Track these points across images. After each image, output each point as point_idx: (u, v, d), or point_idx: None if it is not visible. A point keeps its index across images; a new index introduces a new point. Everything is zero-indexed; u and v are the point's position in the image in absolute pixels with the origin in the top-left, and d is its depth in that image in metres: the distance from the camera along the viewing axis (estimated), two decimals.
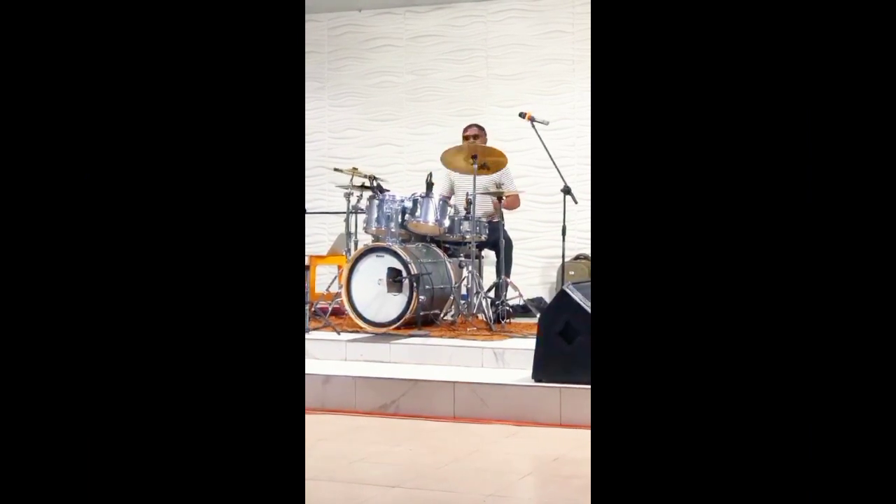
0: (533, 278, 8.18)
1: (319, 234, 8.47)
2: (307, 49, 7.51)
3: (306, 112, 7.29)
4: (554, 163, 6.50)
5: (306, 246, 6.76)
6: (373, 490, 3.33)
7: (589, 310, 4.52)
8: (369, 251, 5.98)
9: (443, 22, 8.77)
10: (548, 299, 7.26)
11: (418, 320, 5.83)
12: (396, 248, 5.88)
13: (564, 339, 4.58)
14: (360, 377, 4.90)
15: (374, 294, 5.90)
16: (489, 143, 7.02)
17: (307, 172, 8.11)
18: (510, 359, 5.18)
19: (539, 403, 4.49)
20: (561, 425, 4.37)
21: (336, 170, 6.74)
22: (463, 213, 6.31)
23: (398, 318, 5.81)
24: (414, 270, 5.77)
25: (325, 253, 7.53)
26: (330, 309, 6.33)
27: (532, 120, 6.54)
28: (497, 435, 4.26)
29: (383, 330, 5.83)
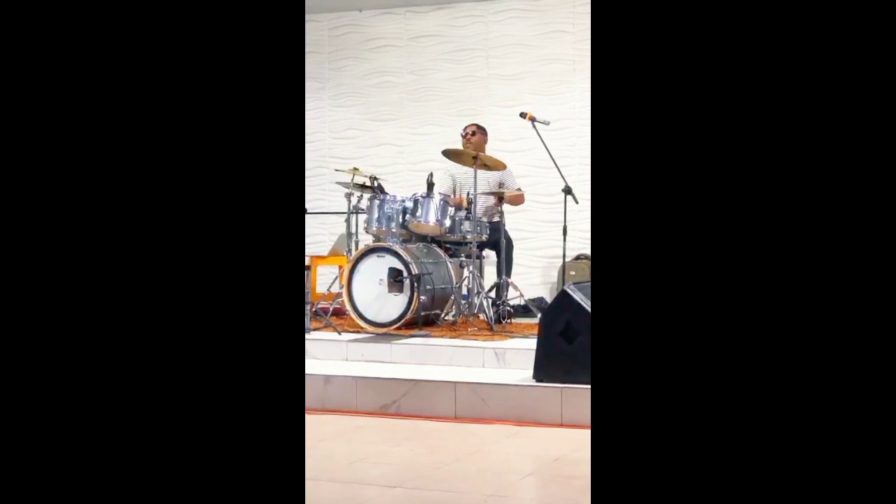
0: (534, 278, 8.18)
1: (320, 235, 8.47)
2: (308, 49, 7.51)
3: (307, 112, 7.29)
4: (555, 163, 6.50)
5: (307, 246, 6.76)
6: (373, 490, 3.33)
7: (590, 310, 4.52)
8: (370, 251, 5.98)
9: (443, 22, 8.77)
10: (549, 299, 7.26)
11: (419, 320, 5.83)
12: (397, 248, 5.88)
13: (565, 340, 4.58)
14: (360, 377, 4.90)
15: (374, 294, 5.90)
16: (489, 144, 7.02)
17: (308, 173, 8.12)
18: (511, 359, 5.18)
19: (540, 403, 4.49)
20: (562, 425, 4.37)
21: (338, 178, 6.74)
22: (464, 212, 6.31)
23: (399, 319, 5.81)
24: (415, 270, 5.77)
25: (325, 253, 7.54)
26: (331, 309, 6.33)
27: (533, 120, 6.54)
28: (498, 435, 4.26)
29: (384, 330, 5.83)
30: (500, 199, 6.64)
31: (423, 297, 5.79)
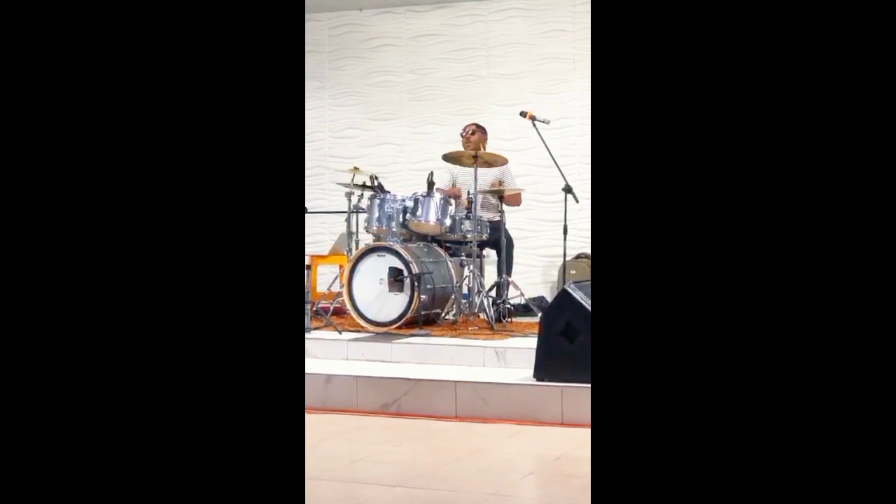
0: (534, 277, 8.18)
1: (321, 234, 8.47)
2: (308, 48, 7.52)
3: (307, 111, 7.29)
4: (555, 162, 6.50)
5: (308, 245, 6.77)
6: (374, 489, 3.33)
7: (590, 309, 4.52)
8: (370, 251, 5.98)
9: (443, 21, 8.76)
10: (549, 298, 7.26)
11: (420, 320, 5.83)
12: (398, 247, 5.88)
13: (566, 339, 4.58)
14: (361, 377, 4.90)
15: (375, 293, 5.90)
16: (489, 143, 7.02)
17: (308, 172, 8.12)
18: (512, 358, 5.18)
19: (541, 403, 4.49)
20: (562, 424, 4.37)
21: (338, 178, 6.74)
22: (464, 211, 6.31)
23: (399, 318, 5.81)
24: (415, 270, 5.77)
25: (326, 252, 7.54)
26: (331, 308, 6.33)
27: (533, 119, 6.54)
28: (499, 434, 4.26)
29: (385, 329, 5.83)
30: (501, 197, 6.64)
31: (423, 297, 5.79)
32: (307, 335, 5.72)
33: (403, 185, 7.52)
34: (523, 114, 6.65)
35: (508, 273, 6.61)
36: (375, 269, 5.91)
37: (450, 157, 6.39)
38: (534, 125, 6.53)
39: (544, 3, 8.42)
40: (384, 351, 5.52)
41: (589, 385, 3.85)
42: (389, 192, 6.37)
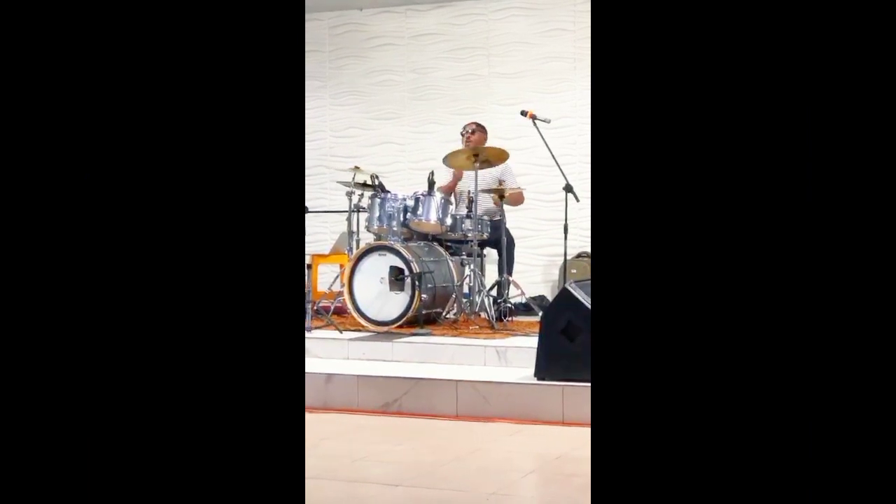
0: (535, 276, 8.18)
1: (321, 233, 8.47)
2: (308, 48, 7.51)
3: (308, 111, 7.29)
4: (556, 161, 6.50)
5: (309, 245, 6.77)
6: (375, 489, 3.33)
7: (591, 308, 4.52)
8: (371, 250, 5.98)
9: (444, 20, 8.76)
10: (550, 297, 7.26)
11: (420, 319, 5.83)
12: (398, 246, 5.88)
13: (567, 338, 4.58)
14: (362, 376, 4.91)
15: (376, 293, 5.90)
16: (490, 142, 7.01)
17: (309, 171, 8.12)
18: (512, 357, 5.18)
19: (541, 402, 4.49)
20: (563, 423, 4.37)
21: (339, 177, 6.74)
22: (465, 211, 6.31)
23: (400, 317, 5.81)
24: (416, 269, 5.77)
25: (327, 252, 7.54)
26: (332, 308, 6.34)
27: (534, 118, 6.54)
28: (499, 433, 4.26)
29: (385, 328, 5.83)
30: (501, 196, 6.63)
31: (424, 296, 5.79)
32: (308, 334, 5.72)
33: (404, 185, 7.51)
34: (524, 113, 6.65)
35: (509, 272, 6.61)
36: (376, 269, 5.91)
37: (450, 159, 6.38)
38: (534, 124, 6.52)
39: (545, 2, 8.41)
40: (385, 350, 5.52)
41: (590, 384, 3.85)
42: (390, 192, 6.37)
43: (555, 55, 8.37)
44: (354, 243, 6.64)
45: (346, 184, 6.65)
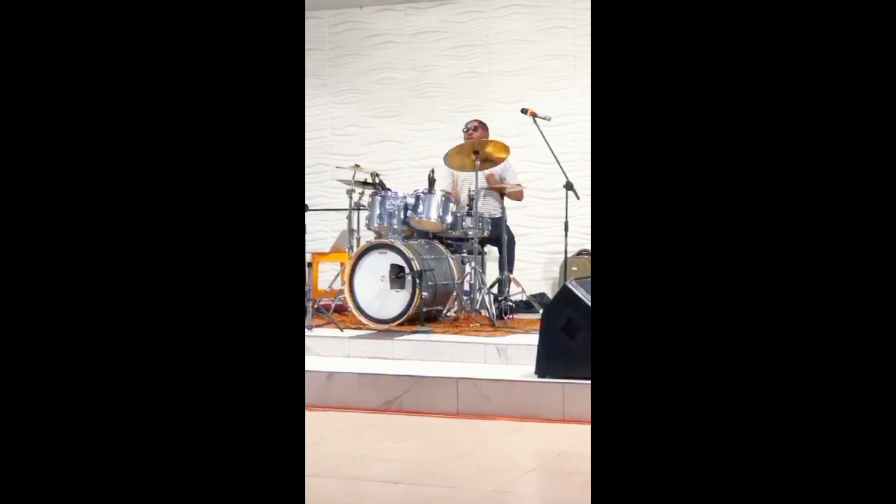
0: (535, 274, 8.18)
1: (322, 231, 8.48)
2: (308, 46, 7.51)
3: (308, 109, 7.29)
4: (556, 158, 6.50)
5: (309, 243, 6.77)
6: (376, 486, 3.33)
7: (591, 305, 4.52)
8: (372, 248, 5.98)
9: (444, 18, 8.76)
10: (550, 295, 7.26)
11: (421, 317, 5.83)
12: (399, 244, 5.88)
13: (567, 335, 4.58)
14: (363, 374, 4.91)
15: (376, 291, 5.90)
16: (490, 139, 7.01)
17: (309, 169, 8.12)
18: (513, 355, 5.18)
19: (542, 399, 4.49)
20: (564, 421, 4.38)
21: (339, 175, 6.75)
22: (465, 209, 6.31)
23: (401, 315, 5.81)
24: (416, 267, 5.77)
25: (327, 250, 7.54)
26: (333, 306, 6.34)
27: (534, 116, 6.54)
28: (500, 431, 4.26)
29: (386, 326, 5.83)
30: (502, 195, 6.64)
31: (424, 294, 5.79)
32: (309, 333, 5.72)
33: (405, 183, 7.51)
34: (524, 110, 6.64)
35: (510, 270, 6.61)
36: (377, 267, 5.91)
37: (449, 156, 6.38)
38: (535, 122, 6.52)
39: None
40: (385, 348, 5.52)
41: (590, 381, 3.84)
42: (390, 190, 6.37)
43: (555, 52, 8.37)
44: (355, 241, 6.64)
45: (346, 182, 6.65)
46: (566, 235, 6.48)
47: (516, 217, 7.33)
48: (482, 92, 8.58)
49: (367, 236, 6.55)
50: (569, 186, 6.47)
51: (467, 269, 6.23)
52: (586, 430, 3.92)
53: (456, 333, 5.66)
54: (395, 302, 5.85)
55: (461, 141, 6.94)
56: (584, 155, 7.90)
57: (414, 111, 8.81)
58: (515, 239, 6.95)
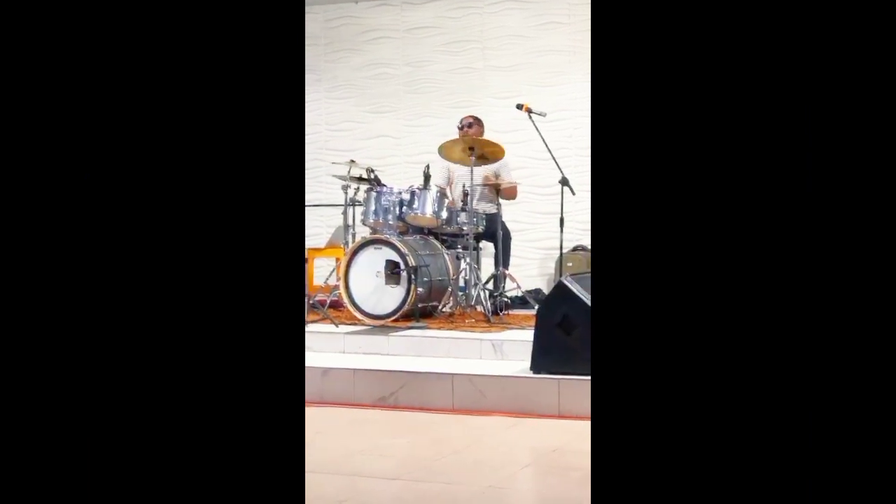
0: (531, 270, 8.18)
1: (317, 227, 8.47)
2: None
3: None
4: (551, 154, 6.50)
5: (305, 239, 6.75)
6: (372, 482, 3.33)
7: (587, 301, 4.52)
8: (367, 244, 5.98)
9: (439, 13, 8.75)
10: (546, 291, 7.27)
11: (416, 312, 5.83)
12: (394, 240, 5.88)
13: (563, 331, 4.59)
14: (358, 370, 4.91)
15: (372, 286, 5.90)
16: (486, 135, 7.00)
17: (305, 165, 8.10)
18: (508, 350, 5.19)
19: (538, 395, 4.50)
20: (560, 417, 4.38)
21: (335, 171, 6.74)
22: (460, 205, 6.31)
23: (396, 311, 5.81)
24: (412, 262, 5.77)
25: (323, 245, 7.53)
26: (328, 301, 6.34)
27: (529, 111, 6.53)
28: (496, 427, 4.26)
29: (381, 322, 5.83)
30: (497, 190, 6.64)
31: (420, 289, 5.79)
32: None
33: (400, 178, 7.50)
34: (519, 106, 6.64)
35: (505, 265, 6.61)
36: (372, 262, 5.91)
37: (445, 149, 6.38)
38: (530, 117, 6.52)
39: None
40: (381, 344, 5.52)
41: (586, 377, 3.86)
42: (386, 185, 6.37)
43: (550, 48, 8.37)
44: (350, 237, 6.63)
45: (341, 177, 6.64)
46: (562, 231, 6.48)
47: (512, 213, 7.33)
48: (477, 87, 8.57)
49: (363, 232, 6.55)
50: (564, 182, 6.46)
51: (462, 264, 6.23)
52: (582, 425, 3.93)
53: (451, 329, 5.66)
54: (390, 298, 5.85)
55: (456, 136, 6.93)
56: (580, 151, 7.90)
57: (409, 107, 8.81)
58: (511, 234, 6.95)
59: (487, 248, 6.84)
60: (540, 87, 8.26)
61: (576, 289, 4.61)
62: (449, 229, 6.30)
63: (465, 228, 6.19)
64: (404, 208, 6.19)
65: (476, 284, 6.17)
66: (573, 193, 6.54)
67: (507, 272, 6.53)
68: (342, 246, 6.74)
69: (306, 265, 6.97)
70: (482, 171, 6.60)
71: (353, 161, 6.65)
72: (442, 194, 6.28)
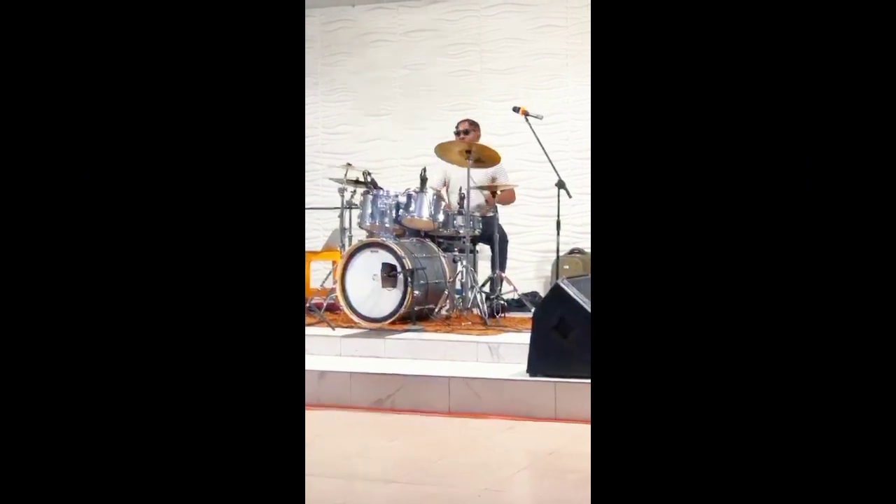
0: (527, 273, 8.19)
1: (314, 230, 8.47)
2: None
3: None
4: (548, 157, 6.50)
5: None
6: (369, 485, 3.33)
7: (583, 304, 4.53)
8: (364, 247, 5.98)
9: (436, 17, 8.76)
10: (542, 294, 7.27)
11: (413, 315, 5.83)
12: (391, 243, 5.88)
13: (559, 334, 4.59)
14: (355, 372, 4.91)
15: (368, 289, 5.90)
16: (482, 139, 7.01)
17: None
18: (505, 353, 5.18)
19: (534, 398, 4.49)
20: (556, 419, 4.38)
21: (331, 174, 6.74)
22: (457, 207, 6.31)
23: (393, 314, 5.81)
24: (408, 265, 5.77)
25: (319, 248, 7.53)
26: (325, 304, 6.33)
27: (526, 114, 6.54)
28: (492, 429, 4.26)
29: (378, 325, 5.83)
30: (494, 194, 6.64)
31: (416, 292, 5.79)
32: None
33: (397, 181, 7.51)
34: (516, 109, 6.65)
35: (502, 268, 6.61)
36: (368, 265, 5.91)
37: (441, 150, 6.38)
38: (527, 120, 6.53)
39: None
40: (377, 347, 5.52)
41: (582, 380, 3.85)
42: (382, 188, 6.37)
43: (547, 51, 8.38)
44: (347, 240, 6.64)
45: (338, 180, 6.64)
46: (558, 234, 6.49)
47: (509, 215, 7.34)
48: (474, 90, 8.58)
49: (359, 235, 6.55)
50: (561, 185, 6.47)
51: (459, 267, 6.23)
52: (578, 428, 3.92)
53: (448, 332, 5.66)
54: (386, 300, 5.85)
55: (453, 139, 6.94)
56: (577, 153, 7.91)
57: (406, 110, 8.81)
58: (508, 237, 6.95)
59: (484, 250, 6.84)
60: (537, 91, 8.27)
61: (572, 292, 4.61)
62: (445, 232, 6.31)
63: (461, 231, 6.19)
64: (401, 211, 6.19)
65: (472, 287, 6.17)
66: (569, 196, 6.54)
67: (503, 275, 6.54)
68: (339, 249, 6.74)
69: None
70: (478, 176, 6.60)
71: (349, 164, 6.65)
72: (438, 196, 6.28)
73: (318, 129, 9.01)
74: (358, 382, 4.84)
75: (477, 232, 6.34)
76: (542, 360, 4.61)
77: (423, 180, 6.23)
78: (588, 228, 6.70)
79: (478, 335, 5.51)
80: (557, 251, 6.71)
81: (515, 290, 6.62)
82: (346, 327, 5.92)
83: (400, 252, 5.81)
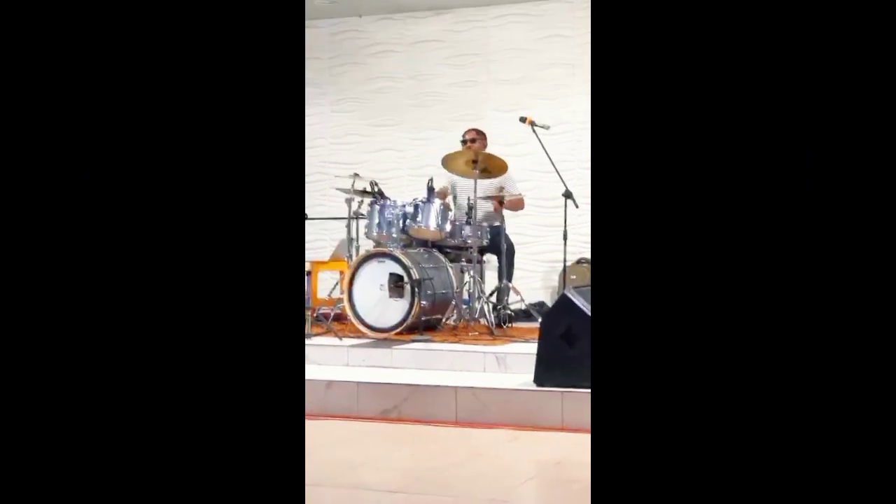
0: (535, 283, 8.18)
1: (321, 240, 8.48)
2: (308, 55, 7.51)
3: (307, 118, 7.29)
4: (555, 167, 6.50)
5: (308, 252, 6.77)
6: (375, 495, 3.33)
7: (590, 314, 4.52)
8: (371, 257, 5.98)
9: (443, 27, 8.78)
10: (549, 303, 7.26)
11: (420, 325, 5.83)
12: (398, 253, 5.88)
13: (566, 344, 4.58)
14: (362, 382, 4.91)
15: (375, 299, 5.90)
16: (489, 149, 7.01)
17: (308, 178, 8.12)
18: (512, 363, 5.18)
19: (541, 408, 4.49)
20: (563, 429, 4.38)
21: (338, 184, 6.75)
22: (464, 217, 6.31)
23: (400, 324, 5.81)
24: (415, 275, 5.78)
25: (327, 258, 7.54)
26: (332, 314, 6.34)
27: (532, 124, 6.54)
28: (499, 439, 4.26)
29: (385, 335, 5.83)
30: (501, 202, 6.64)
31: (423, 302, 5.79)
32: (308, 341, 5.72)
33: (404, 191, 7.52)
34: (523, 119, 6.65)
35: (509, 278, 6.61)
36: (376, 275, 5.91)
37: (448, 161, 6.39)
38: (533, 130, 6.53)
39: (543, 9, 8.44)
40: (385, 357, 5.52)
41: (589, 390, 3.84)
42: (389, 198, 6.38)
43: (553, 61, 8.39)
44: (354, 250, 6.64)
45: (345, 190, 6.66)
46: (565, 244, 6.48)
47: (516, 226, 7.34)
48: (481, 101, 8.60)
49: (367, 245, 6.56)
50: (568, 195, 6.47)
51: (466, 277, 6.23)
52: (585, 438, 3.91)
53: (455, 342, 5.66)
54: (394, 310, 5.85)
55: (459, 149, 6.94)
56: (583, 163, 7.91)
57: (413, 120, 8.83)
58: (515, 247, 6.95)
59: (491, 260, 6.84)
60: (543, 100, 8.28)
61: (579, 301, 4.61)
62: (453, 242, 6.31)
63: (468, 241, 6.19)
64: (408, 221, 6.19)
65: (480, 297, 6.17)
66: (577, 206, 6.54)
67: (510, 285, 6.53)
68: (346, 259, 6.74)
69: (310, 278, 6.98)
70: (485, 185, 6.60)
71: (356, 174, 6.66)
72: (445, 207, 6.28)
73: (326, 138, 9.03)
74: (365, 392, 4.84)
75: (485, 242, 6.35)
76: (549, 370, 4.61)
77: (430, 190, 6.24)
78: None
79: (485, 345, 5.51)
80: (564, 261, 6.70)
81: (522, 299, 6.62)
82: (354, 337, 5.92)
83: (407, 262, 5.81)
